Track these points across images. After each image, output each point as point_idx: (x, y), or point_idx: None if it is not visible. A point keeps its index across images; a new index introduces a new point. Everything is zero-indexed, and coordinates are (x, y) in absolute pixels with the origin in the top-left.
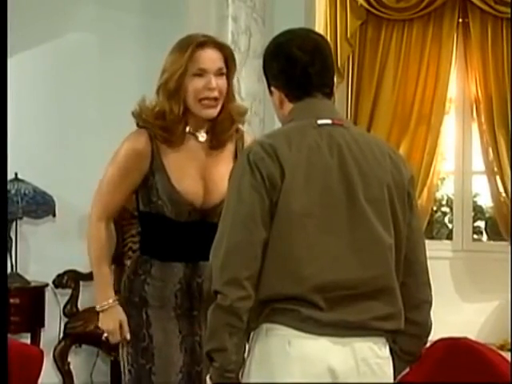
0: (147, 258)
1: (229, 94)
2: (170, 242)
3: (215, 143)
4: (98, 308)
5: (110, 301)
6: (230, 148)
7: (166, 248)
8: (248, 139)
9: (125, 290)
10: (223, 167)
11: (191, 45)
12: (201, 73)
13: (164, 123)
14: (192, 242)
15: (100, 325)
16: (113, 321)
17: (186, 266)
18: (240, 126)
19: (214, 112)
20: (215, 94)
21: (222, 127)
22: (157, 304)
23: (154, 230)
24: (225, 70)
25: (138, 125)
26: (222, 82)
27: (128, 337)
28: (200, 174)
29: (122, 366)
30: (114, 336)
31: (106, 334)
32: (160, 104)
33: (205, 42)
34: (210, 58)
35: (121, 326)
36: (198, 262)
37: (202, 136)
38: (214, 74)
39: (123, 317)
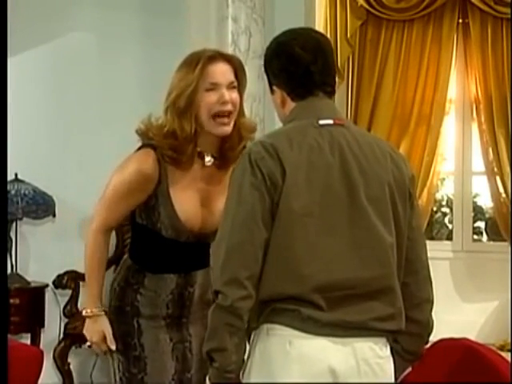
0: (140, 268)
1: (240, 109)
2: (163, 257)
3: (221, 162)
4: (83, 313)
5: (95, 310)
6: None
7: (160, 262)
8: None
9: (115, 299)
10: (223, 192)
11: (201, 60)
12: (213, 87)
13: (175, 142)
14: (186, 257)
15: (84, 332)
16: (96, 332)
17: (179, 277)
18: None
19: (228, 129)
20: (229, 107)
21: (231, 144)
22: (148, 313)
23: (148, 244)
24: (236, 84)
25: (143, 143)
26: (234, 95)
27: (113, 347)
28: (201, 201)
29: (113, 373)
30: (97, 347)
31: (88, 343)
32: (169, 123)
33: (214, 55)
34: (221, 72)
35: (105, 338)
36: (190, 272)
37: (209, 160)
38: (226, 88)
39: (107, 328)
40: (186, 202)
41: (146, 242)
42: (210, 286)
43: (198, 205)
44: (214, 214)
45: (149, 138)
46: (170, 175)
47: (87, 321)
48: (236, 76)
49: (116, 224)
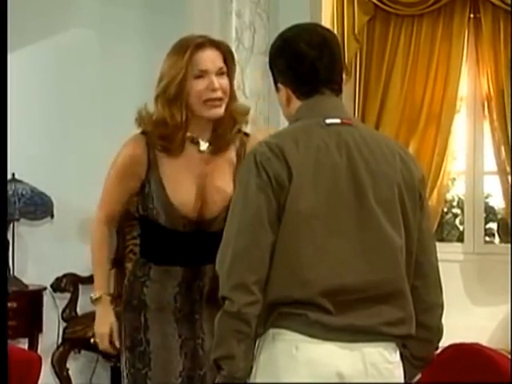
0: (146, 260)
1: (231, 93)
2: (167, 248)
3: (216, 147)
4: (91, 297)
5: (104, 294)
6: (230, 157)
7: (164, 253)
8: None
9: (125, 293)
10: (221, 179)
11: (189, 47)
12: (202, 74)
13: (165, 131)
14: (189, 249)
15: (95, 327)
16: (105, 324)
17: (186, 270)
18: (250, 131)
19: (219, 111)
20: (219, 94)
21: (224, 128)
22: (156, 307)
23: (152, 235)
24: (225, 69)
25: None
26: (224, 81)
27: (117, 344)
28: (197, 186)
29: (122, 370)
30: (102, 341)
31: (95, 339)
32: (159, 111)
33: (203, 42)
34: (210, 59)
35: (111, 333)
36: (198, 266)
37: (203, 145)
38: (215, 74)
39: (115, 323)
40: (179, 187)
41: (149, 233)
42: None
43: (193, 190)
44: (212, 200)
45: (143, 128)
46: (162, 160)
47: (96, 309)
48: (225, 62)
49: (117, 213)
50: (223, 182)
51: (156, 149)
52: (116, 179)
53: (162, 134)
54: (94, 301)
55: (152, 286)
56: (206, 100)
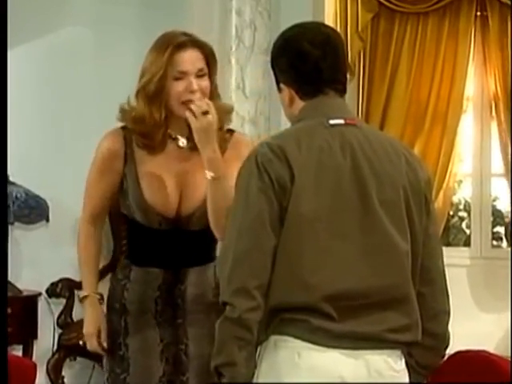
0: (128, 262)
1: (212, 94)
2: (146, 248)
3: (195, 143)
4: (80, 296)
5: (92, 293)
6: None
7: (144, 253)
8: (242, 145)
9: (109, 297)
10: (199, 176)
11: (170, 46)
12: (181, 76)
13: (144, 128)
14: (169, 249)
15: (84, 326)
16: (94, 323)
17: (166, 272)
18: (237, 131)
19: None
20: (197, 95)
21: None
22: (136, 310)
23: (131, 234)
24: (206, 70)
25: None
26: (203, 83)
27: (105, 345)
28: (174, 183)
29: (104, 374)
30: (91, 340)
31: (83, 339)
32: (140, 107)
33: (184, 42)
34: (190, 60)
35: (99, 333)
36: (179, 268)
37: (183, 142)
38: (194, 76)
39: (104, 323)
40: (154, 183)
41: (129, 232)
42: (209, 286)
43: (172, 187)
44: (189, 197)
45: (124, 121)
46: (140, 156)
47: (85, 308)
48: (207, 63)
49: (102, 210)
50: (202, 179)
51: (136, 145)
52: (96, 175)
53: (142, 131)
54: (82, 299)
55: (132, 288)
56: (184, 101)
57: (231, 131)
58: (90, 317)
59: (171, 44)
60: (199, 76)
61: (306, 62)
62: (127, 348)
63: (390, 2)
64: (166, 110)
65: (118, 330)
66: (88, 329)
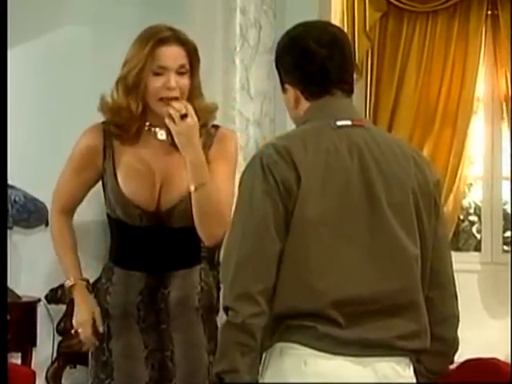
0: (111, 265)
1: (193, 92)
2: (128, 248)
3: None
4: (65, 285)
5: (77, 279)
6: None
7: (126, 255)
8: (228, 139)
9: None
10: (180, 170)
11: (152, 39)
12: (160, 71)
13: (120, 120)
14: (151, 249)
15: (74, 315)
16: (86, 310)
17: (148, 277)
18: (221, 126)
19: None
20: (174, 93)
21: None
22: (119, 314)
23: (114, 234)
24: (188, 67)
25: None
26: (183, 81)
27: (101, 330)
28: (157, 176)
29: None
30: (84, 329)
31: (75, 328)
32: (119, 97)
33: (167, 37)
34: (171, 56)
35: (94, 321)
36: (162, 272)
37: (161, 134)
38: (174, 72)
39: (97, 308)
40: (134, 176)
41: (112, 232)
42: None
43: (151, 181)
44: (171, 191)
45: (103, 113)
46: (119, 150)
47: (75, 297)
48: (190, 60)
49: (73, 205)
50: (182, 173)
51: (113, 137)
52: (72, 172)
53: (118, 122)
54: (69, 288)
55: (114, 292)
56: (161, 98)
57: (216, 126)
58: (82, 304)
59: (154, 38)
60: (180, 73)
61: (312, 61)
62: (110, 353)
63: (399, 1)
64: (143, 102)
65: (102, 335)
66: (83, 316)
